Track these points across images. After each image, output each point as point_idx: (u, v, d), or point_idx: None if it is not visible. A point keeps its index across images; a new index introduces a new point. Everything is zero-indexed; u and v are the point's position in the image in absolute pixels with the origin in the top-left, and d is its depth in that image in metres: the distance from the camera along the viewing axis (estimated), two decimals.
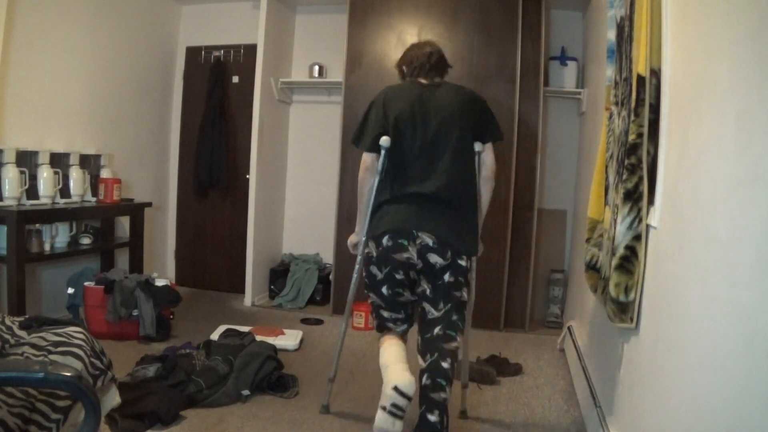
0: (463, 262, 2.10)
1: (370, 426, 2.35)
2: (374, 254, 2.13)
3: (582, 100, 4.01)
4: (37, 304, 3.50)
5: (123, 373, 2.59)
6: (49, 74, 3.52)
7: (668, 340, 1.49)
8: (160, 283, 3.45)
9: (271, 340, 3.17)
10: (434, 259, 2.05)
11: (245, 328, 3.35)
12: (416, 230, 2.06)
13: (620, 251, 1.82)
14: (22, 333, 1.67)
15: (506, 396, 2.77)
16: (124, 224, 4.12)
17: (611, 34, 2.43)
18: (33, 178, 3.32)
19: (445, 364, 1.98)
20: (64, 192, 3.55)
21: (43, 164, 3.34)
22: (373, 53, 4.08)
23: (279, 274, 4.47)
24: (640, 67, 1.77)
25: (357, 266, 2.35)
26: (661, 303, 1.59)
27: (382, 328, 2.25)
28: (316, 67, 4.52)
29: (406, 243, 2.06)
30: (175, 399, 2.35)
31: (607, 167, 2.35)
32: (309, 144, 4.78)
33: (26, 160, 3.29)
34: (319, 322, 3.96)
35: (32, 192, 3.32)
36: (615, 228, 1.91)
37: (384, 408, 1.88)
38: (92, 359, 1.65)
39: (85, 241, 3.70)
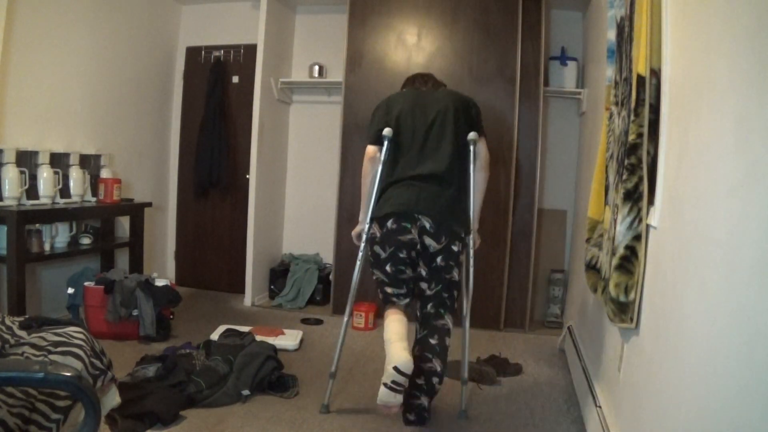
0: (455, 247, 2.32)
1: (371, 426, 2.36)
2: (378, 235, 2.34)
3: (582, 100, 4.01)
4: (37, 304, 3.50)
5: (123, 373, 2.59)
6: (49, 74, 3.52)
7: (668, 340, 1.49)
8: (160, 283, 3.45)
9: (271, 340, 3.17)
10: (429, 242, 2.28)
11: (245, 328, 3.35)
12: (417, 213, 2.26)
13: (620, 251, 1.82)
14: (22, 333, 1.67)
15: (506, 396, 2.77)
16: (124, 224, 4.12)
17: (611, 34, 2.44)
18: (33, 178, 3.32)
19: (432, 341, 2.29)
20: (64, 192, 3.55)
21: (43, 164, 3.34)
22: (373, 53, 4.08)
23: (279, 274, 4.47)
24: (640, 67, 1.77)
25: (358, 262, 2.48)
26: (661, 303, 1.59)
27: (387, 301, 2.43)
28: (316, 67, 4.53)
29: (409, 226, 2.27)
30: (175, 399, 2.35)
31: (607, 167, 2.35)
32: (309, 144, 4.78)
33: (26, 160, 3.29)
34: (319, 322, 3.96)
35: (32, 192, 3.32)
36: (615, 228, 1.91)
37: (386, 384, 2.08)
38: (92, 359, 1.65)
39: (85, 241, 3.70)
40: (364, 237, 2.44)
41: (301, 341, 3.43)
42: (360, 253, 2.47)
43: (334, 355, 2.55)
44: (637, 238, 1.78)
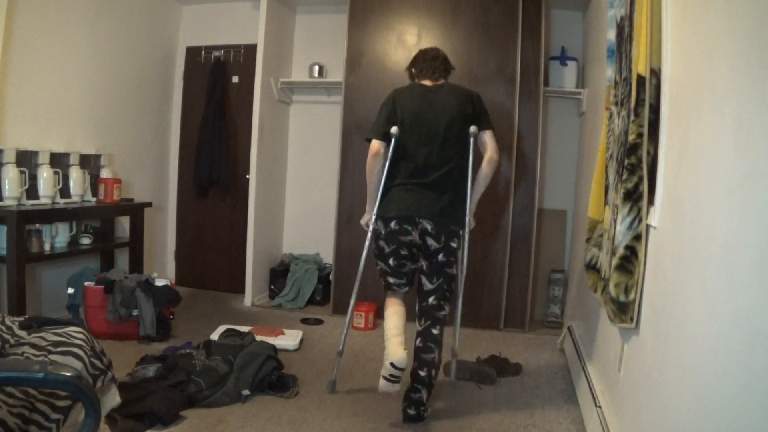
0: (453, 244, 2.50)
1: (371, 426, 2.36)
2: (383, 232, 2.54)
3: (582, 100, 4.01)
4: (37, 304, 3.50)
5: (123, 373, 2.59)
6: (49, 74, 3.52)
7: (668, 340, 1.49)
8: (160, 283, 3.45)
9: (271, 340, 3.17)
10: (430, 242, 2.47)
11: (245, 328, 3.35)
12: (418, 217, 2.45)
13: (620, 251, 1.82)
14: (22, 333, 1.67)
15: (506, 396, 2.77)
16: (124, 224, 4.12)
17: (611, 34, 2.44)
18: (33, 178, 3.32)
19: (435, 331, 2.45)
20: (64, 192, 3.55)
21: (43, 164, 3.34)
22: (373, 53, 4.08)
23: (279, 274, 4.47)
24: (640, 67, 1.77)
25: (365, 250, 2.68)
26: (661, 303, 1.59)
27: (388, 289, 2.64)
28: (316, 67, 4.53)
29: (410, 228, 2.47)
30: (175, 399, 2.35)
31: (607, 167, 2.35)
32: (309, 144, 4.78)
33: (26, 160, 3.29)
34: (319, 322, 3.96)
35: (32, 192, 3.32)
36: (615, 228, 1.91)
37: (384, 377, 2.34)
38: (92, 359, 1.65)
39: (85, 241, 3.70)
40: (371, 227, 2.63)
41: (301, 341, 3.43)
42: (366, 242, 2.67)
43: (341, 336, 2.75)
44: (637, 238, 1.78)
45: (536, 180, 3.99)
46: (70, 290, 3.37)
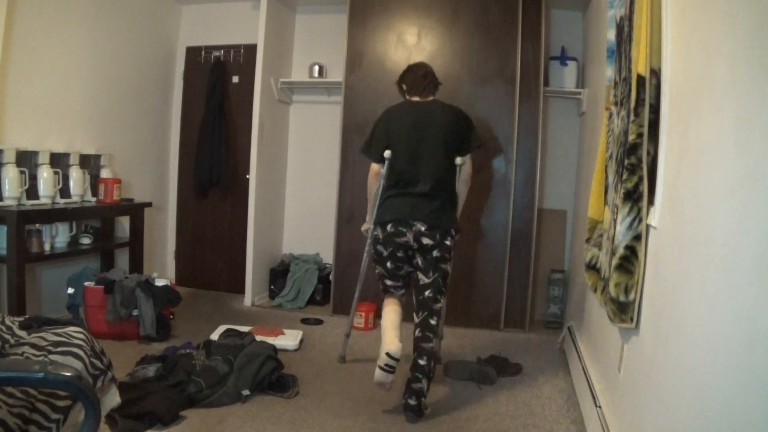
0: (448, 242, 2.67)
1: (371, 426, 2.37)
2: (381, 237, 2.73)
3: (582, 100, 4.01)
4: (37, 304, 3.50)
5: (123, 373, 2.59)
6: (49, 74, 3.52)
7: (668, 340, 1.49)
8: (160, 283, 3.45)
9: (271, 340, 3.17)
10: (426, 240, 2.65)
11: (245, 328, 3.35)
12: (412, 220, 2.65)
13: (620, 251, 1.82)
14: (22, 333, 1.67)
15: (506, 396, 2.77)
16: (124, 224, 4.12)
17: (611, 34, 2.44)
18: (33, 178, 3.32)
19: (432, 321, 2.60)
20: (64, 192, 3.55)
21: (43, 164, 3.34)
22: (373, 53, 4.08)
23: (279, 274, 4.47)
24: (640, 67, 1.77)
25: (365, 255, 3.00)
26: (661, 303, 1.59)
27: (386, 291, 2.86)
28: (316, 67, 4.53)
29: (404, 230, 2.66)
30: (175, 399, 2.35)
31: (606, 167, 2.35)
32: (309, 144, 4.78)
33: (26, 160, 3.29)
34: (319, 322, 3.96)
35: (32, 192, 3.32)
36: (615, 228, 1.91)
37: (380, 366, 2.46)
38: (92, 359, 1.65)
39: (85, 241, 3.70)
40: (370, 234, 2.88)
41: (301, 341, 3.43)
42: (367, 248, 2.97)
43: (348, 318, 3.14)
44: (637, 238, 1.78)
45: (536, 180, 3.99)
46: (70, 290, 3.37)
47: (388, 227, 2.68)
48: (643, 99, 1.75)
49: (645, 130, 1.74)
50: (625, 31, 2.10)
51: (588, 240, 2.56)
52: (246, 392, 2.55)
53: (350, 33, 4.09)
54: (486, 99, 3.94)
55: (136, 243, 4.02)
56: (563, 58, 4.12)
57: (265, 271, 4.53)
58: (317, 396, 2.65)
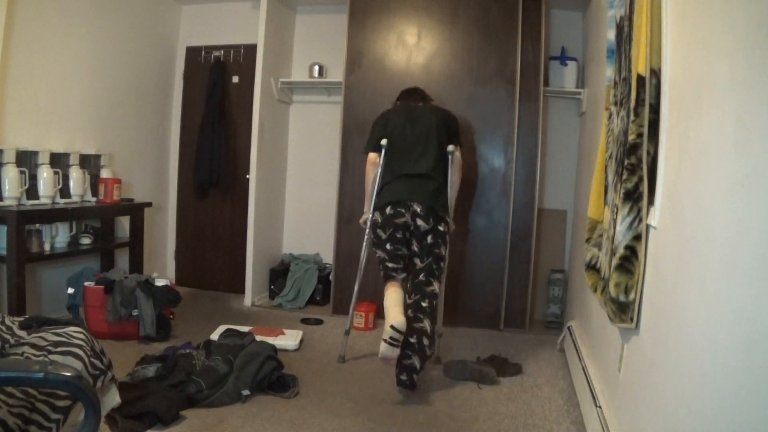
0: (441, 227, 2.85)
1: (371, 426, 2.36)
2: (379, 220, 2.89)
3: (582, 100, 4.01)
4: (37, 304, 3.50)
5: (123, 373, 2.59)
6: (49, 74, 3.52)
7: (668, 340, 1.49)
8: (160, 283, 3.45)
9: (271, 340, 3.17)
10: (420, 223, 2.80)
11: (245, 328, 3.35)
12: (409, 201, 2.82)
13: (620, 251, 1.82)
14: (22, 333, 1.67)
15: (506, 396, 2.77)
16: (124, 224, 4.12)
17: (611, 34, 2.44)
18: (33, 178, 3.32)
19: (424, 303, 2.75)
20: (64, 192, 3.55)
21: (43, 164, 3.34)
22: (373, 53, 4.08)
23: (279, 274, 4.47)
24: (640, 67, 1.77)
25: (364, 244, 3.15)
26: (661, 303, 1.59)
27: (387, 276, 2.94)
28: (316, 67, 4.53)
29: (403, 211, 2.82)
30: (175, 399, 2.35)
31: (606, 167, 2.35)
32: (309, 144, 4.78)
33: (26, 160, 3.29)
34: (319, 322, 3.96)
35: (32, 192, 3.32)
36: (615, 228, 1.91)
37: (385, 340, 2.57)
38: (92, 359, 1.65)
39: (85, 241, 3.70)
40: (369, 221, 3.03)
41: (301, 341, 3.43)
42: (366, 237, 3.12)
43: (348, 314, 3.20)
44: (637, 238, 1.78)
45: (536, 180, 3.99)
46: (70, 290, 3.37)
47: (387, 209, 2.85)
48: (643, 99, 1.75)
49: (645, 130, 1.74)
50: (625, 31, 2.10)
51: (588, 240, 2.56)
52: (246, 392, 2.55)
53: (350, 33, 4.09)
54: (486, 99, 3.94)
55: (136, 243, 4.02)
56: (563, 58, 4.12)
57: (265, 271, 4.53)
58: (317, 396, 2.65)
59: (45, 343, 1.60)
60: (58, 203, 3.45)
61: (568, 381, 3.00)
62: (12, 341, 1.60)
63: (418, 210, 2.80)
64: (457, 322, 3.95)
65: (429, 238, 2.82)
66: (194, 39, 4.80)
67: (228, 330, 3.20)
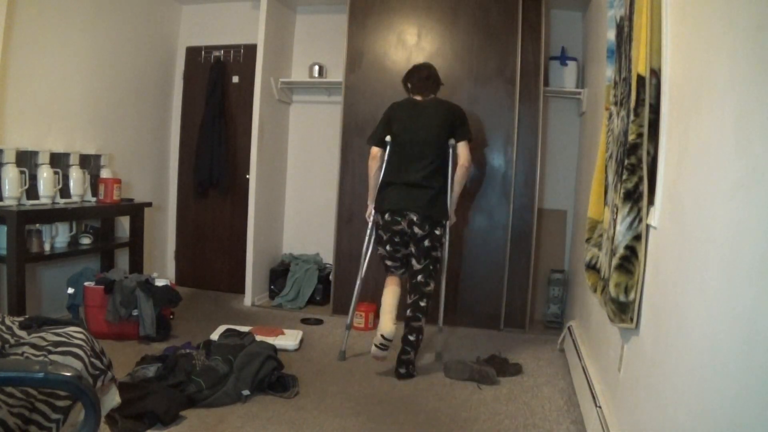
0: (437, 231, 3.01)
1: (370, 426, 2.37)
2: (381, 222, 3.08)
3: (582, 100, 4.01)
4: (37, 304, 3.50)
5: (123, 373, 2.59)
6: (49, 74, 3.52)
7: (668, 340, 1.49)
8: (160, 283, 3.45)
9: (271, 340, 3.17)
10: (416, 230, 2.98)
11: (245, 328, 3.35)
12: (406, 210, 2.97)
13: (620, 251, 1.82)
14: (22, 333, 1.66)
15: (506, 396, 2.77)
16: (124, 224, 4.12)
17: (611, 34, 2.44)
18: (33, 178, 3.32)
19: (422, 303, 3.00)
20: (64, 192, 3.55)
21: (43, 164, 3.34)
22: (373, 53, 4.08)
23: (279, 274, 4.47)
24: (640, 67, 1.77)
25: (366, 238, 3.28)
26: (661, 303, 1.59)
27: (387, 271, 3.18)
28: (316, 67, 4.53)
29: (399, 219, 3.00)
30: (175, 399, 2.35)
31: (606, 167, 2.35)
32: (309, 144, 4.78)
33: (26, 160, 3.29)
34: (319, 322, 3.96)
35: (32, 192, 3.32)
36: (615, 228, 1.91)
37: (376, 345, 2.92)
38: (92, 359, 1.65)
39: (85, 241, 3.70)
40: (371, 219, 3.18)
41: (301, 341, 3.43)
42: (368, 232, 3.26)
43: (349, 310, 3.27)
44: (637, 238, 1.78)
45: (536, 180, 3.99)
46: (70, 290, 3.37)
47: (386, 216, 3.03)
48: (643, 99, 1.75)
49: (645, 130, 1.74)
50: (625, 31, 2.10)
51: (588, 240, 2.56)
52: (246, 392, 2.55)
53: (350, 33, 4.09)
54: (486, 99, 3.94)
55: (136, 243, 4.02)
56: (563, 58, 4.12)
57: (265, 271, 4.53)
58: (317, 396, 2.65)
59: (45, 343, 1.60)
60: (58, 203, 3.45)
61: (568, 381, 3.00)
62: (12, 341, 1.60)
63: (415, 219, 2.95)
64: (457, 322, 3.95)
65: (426, 242, 2.99)
66: (194, 39, 4.80)
67: (228, 330, 3.20)
